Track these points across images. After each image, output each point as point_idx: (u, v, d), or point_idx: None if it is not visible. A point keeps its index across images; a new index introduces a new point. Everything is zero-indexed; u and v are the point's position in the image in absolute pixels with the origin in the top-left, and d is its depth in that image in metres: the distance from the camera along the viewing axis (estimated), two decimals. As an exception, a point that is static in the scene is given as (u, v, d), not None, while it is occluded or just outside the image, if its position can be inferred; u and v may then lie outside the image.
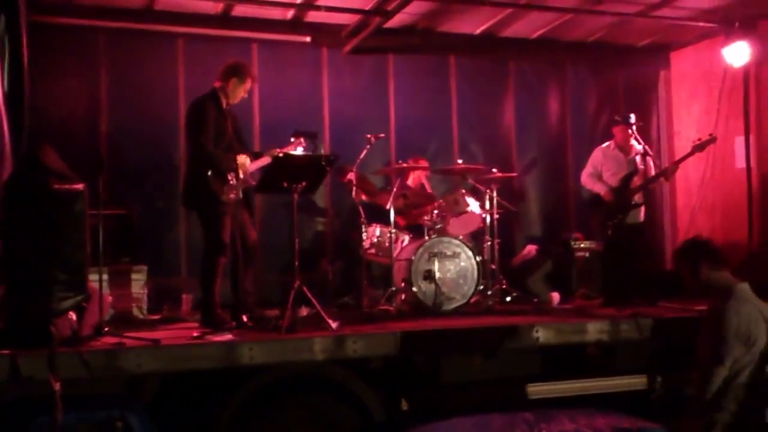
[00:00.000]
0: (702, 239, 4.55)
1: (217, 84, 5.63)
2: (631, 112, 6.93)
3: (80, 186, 4.49)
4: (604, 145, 7.05)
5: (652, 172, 6.63)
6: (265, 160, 5.59)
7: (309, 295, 5.20)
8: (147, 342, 4.41)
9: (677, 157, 8.19)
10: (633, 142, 6.77)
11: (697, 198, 8.28)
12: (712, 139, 6.51)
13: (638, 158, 6.68)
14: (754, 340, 3.97)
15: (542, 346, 5.18)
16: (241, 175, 5.47)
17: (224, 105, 5.61)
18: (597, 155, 7.04)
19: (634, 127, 6.64)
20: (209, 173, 5.33)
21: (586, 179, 7.06)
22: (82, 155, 5.11)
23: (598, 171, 6.96)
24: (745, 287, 4.17)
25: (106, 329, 4.66)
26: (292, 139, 5.65)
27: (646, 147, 6.52)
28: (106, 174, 5.08)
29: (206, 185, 5.33)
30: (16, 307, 4.28)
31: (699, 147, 6.46)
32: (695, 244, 4.44)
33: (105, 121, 7.09)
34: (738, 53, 7.47)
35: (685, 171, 7.77)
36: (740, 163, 7.76)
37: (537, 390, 5.22)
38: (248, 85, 5.70)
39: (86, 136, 6.12)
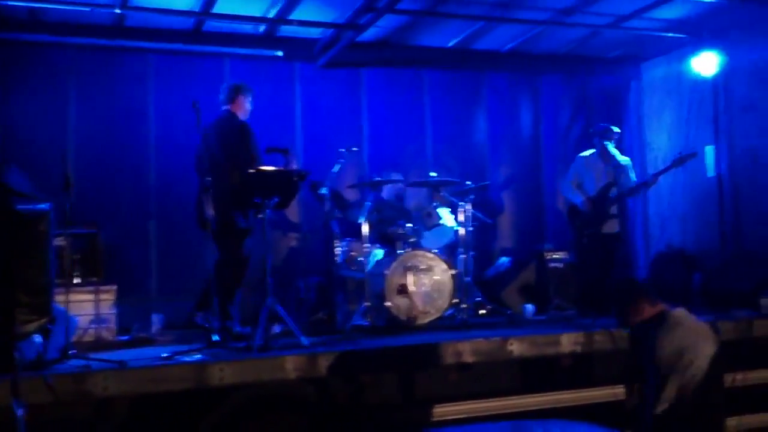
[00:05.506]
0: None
1: (229, 106, 5.84)
2: (603, 123, 7.01)
3: (45, 206, 4.42)
4: (585, 153, 7.03)
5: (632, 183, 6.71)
6: None
7: (282, 312, 5.14)
8: (113, 364, 4.34)
9: (648, 168, 8.35)
10: (615, 152, 6.80)
11: (668, 207, 8.33)
12: (693, 154, 6.54)
13: (618, 169, 6.72)
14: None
15: (517, 358, 5.17)
16: None
17: None
18: (579, 163, 7.02)
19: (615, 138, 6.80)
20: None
21: (567, 188, 7.04)
22: (49, 175, 5.05)
23: (579, 179, 6.94)
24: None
25: (73, 352, 4.57)
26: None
27: (624, 159, 6.59)
28: (74, 193, 4.99)
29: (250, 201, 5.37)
30: (-21, 332, 4.20)
31: (679, 161, 6.46)
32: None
33: (73, 139, 7.02)
34: (707, 63, 7.50)
35: (655, 180, 7.82)
36: (711, 171, 7.80)
37: (513, 403, 5.20)
38: (251, 96, 5.98)
39: (53, 154, 6.02)
